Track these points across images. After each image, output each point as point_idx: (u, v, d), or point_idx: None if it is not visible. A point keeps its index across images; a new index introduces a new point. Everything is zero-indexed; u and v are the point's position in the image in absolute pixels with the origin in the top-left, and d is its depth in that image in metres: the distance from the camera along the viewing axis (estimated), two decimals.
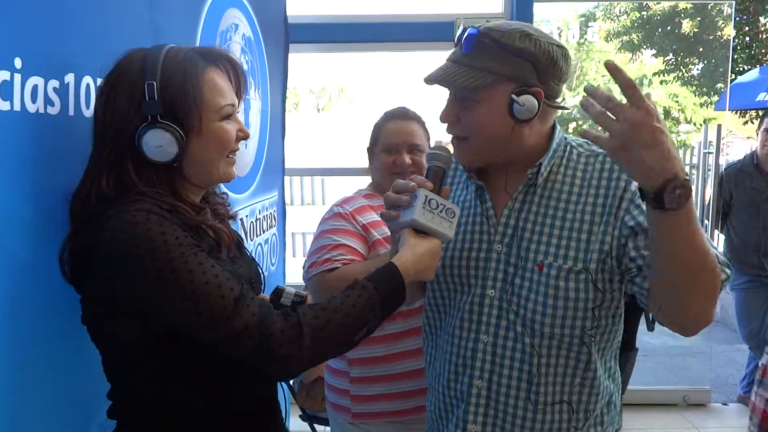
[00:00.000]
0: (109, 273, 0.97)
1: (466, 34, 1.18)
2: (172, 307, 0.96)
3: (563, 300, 1.18)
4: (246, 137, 1.15)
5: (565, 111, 1.51)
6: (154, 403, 1.05)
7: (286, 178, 3.03)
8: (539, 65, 1.16)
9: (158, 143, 1.01)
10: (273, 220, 2.57)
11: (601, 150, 1.24)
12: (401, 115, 1.92)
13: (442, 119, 1.25)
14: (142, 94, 1.01)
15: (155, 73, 1.01)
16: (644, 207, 1.07)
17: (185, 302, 0.95)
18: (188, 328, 0.98)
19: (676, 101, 14.65)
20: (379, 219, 1.72)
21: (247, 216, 2.15)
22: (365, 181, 2.03)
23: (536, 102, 1.15)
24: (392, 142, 1.87)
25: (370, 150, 1.95)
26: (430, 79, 1.21)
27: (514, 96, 1.15)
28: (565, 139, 1.29)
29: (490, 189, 1.28)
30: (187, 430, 1.06)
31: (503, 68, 1.15)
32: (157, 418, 1.06)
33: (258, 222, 2.30)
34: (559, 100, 1.22)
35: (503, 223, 1.25)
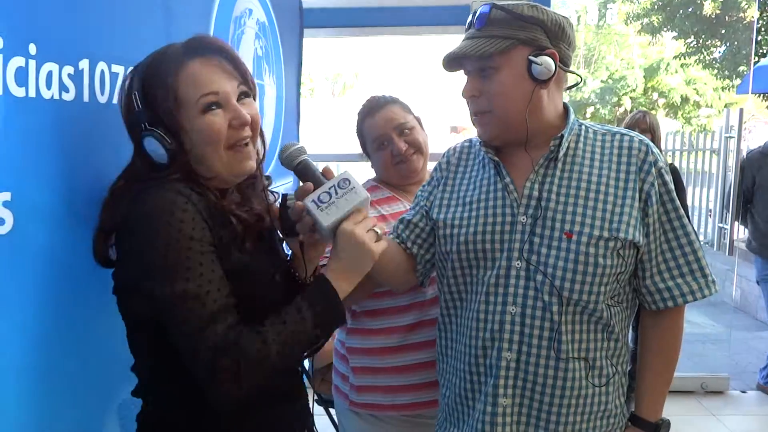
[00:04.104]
0: (127, 245, 1.02)
1: (479, 12, 1.27)
2: (158, 293, 0.97)
3: (592, 266, 1.23)
4: (243, 124, 1.08)
5: (583, 96, 1.49)
6: (173, 377, 1.06)
7: None
8: (549, 29, 1.25)
9: (151, 149, 1.05)
10: None
11: (616, 129, 1.34)
12: (373, 107, 1.80)
13: (465, 94, 1.31)
14: (133, 107, 1.06)
15: (139, 82, 1.06)
16: (661, 189, 1.26)
17: (170, 296, 0.97)
18: (161, 318, 0.99)
19: (695, 89, 14.43)
20: (378, 214, 1.73)
21: None
22: None
23: (552, 62, 1.23)
24: (378, 135, 1.76)
25: (365, 152, 1.88)
26: (449, 57, 1.28)
27: (531, 57, 1.23)
28: (579, 120, 1.35)
29: (507, 165, 1.32)
30: (205, 407, 1.05)
31: (517, 33, 1.23)
32: (181, 392, 1.06)
33: None
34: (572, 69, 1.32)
35: (526, 195, 1.29)
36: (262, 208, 1.19)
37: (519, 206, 1.29)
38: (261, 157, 1.18)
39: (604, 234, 1.23)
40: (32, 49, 0.95)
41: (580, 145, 1.31)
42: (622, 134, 1.31)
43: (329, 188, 1.08)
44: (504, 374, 1.27)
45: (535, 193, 1.28)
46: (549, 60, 1.23)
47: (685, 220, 1.29)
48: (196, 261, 0.98)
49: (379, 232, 1.10)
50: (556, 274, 1.24)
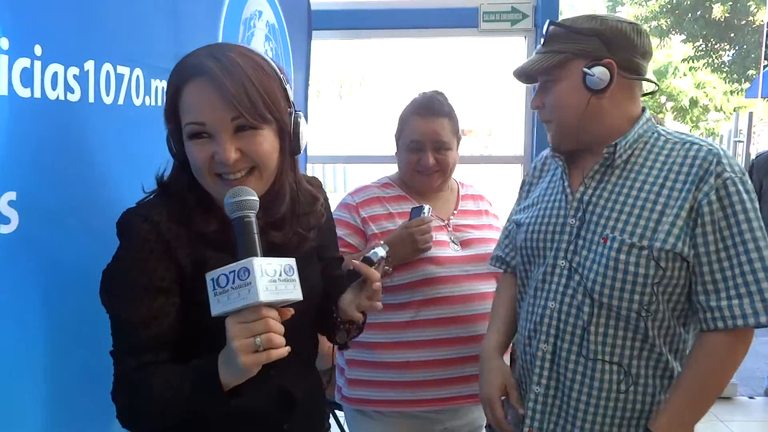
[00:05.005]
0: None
1: (544, 29, 1.35)
2: (104, 300, 1.02)
3: (622, 273, 1.25)
4: (222, 163, 0.99)
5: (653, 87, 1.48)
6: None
7: (309, 166, 3.03)
8: (607, 39, 1.28)
9: (169, 147, 1.07)
10: None
11: (690, 138, 1.33)
12: (428, 110, 1.79)
13: (532, 106, 1.40)
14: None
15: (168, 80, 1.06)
16: (724, 201, 1.21)
17: (108, 312, 1.02)
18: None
19: (704, 91, 14.36)
20: (382, 212, 1.77)
21: None
22: (387, 169, 2.00)
23: (608, 72, 1.27)
24: (416, 140, 1.78)
25: (396, 140, 1.87)
26: (516, 73, 1.40)
27: (585, 69, 1.28)
28: (656, 127, 1.36)
29: (573, 169, 1.40)
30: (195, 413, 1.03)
31: (571, 47, 1.30)
32: None
33: None
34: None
35: (577, 198, 1.36)
36: (309, 225, 1.16)
37: (570, 209, 1.36)
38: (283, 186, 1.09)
39: (637, 242, 1.24)
40: (38, 50, 0.95)
41: (644, 153, 1.32)
42: (693, 143, 1.29)
43: (229, 272, 0.90)
44: (540, 364, 1.36)
45: (585, 198, 1.34)
46: (604, 70, 1.27)
47: (749, 236, 1.20)
48: (137, 294, 1.00)
49: (258, 342, 0.89)
50: (589, 276, 1.29)
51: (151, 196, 1.08)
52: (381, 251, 1.23)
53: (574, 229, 1.34)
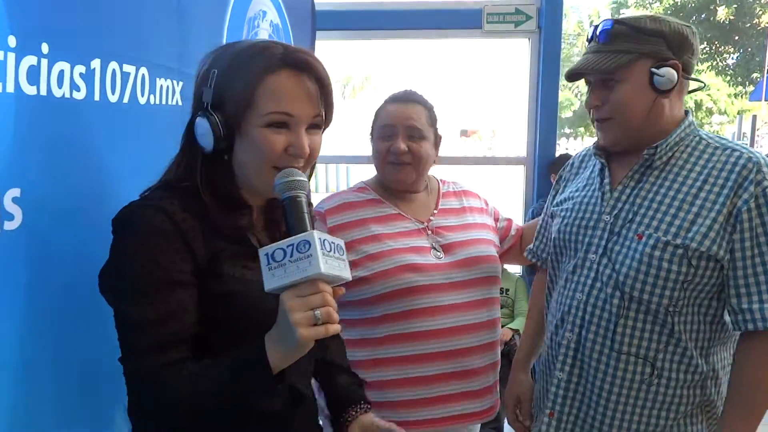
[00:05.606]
0: (112, 243, 1.00)
1: (601, 27, 1.35)
2: (110, 304, 0.98)
3: (655, 269, 1.29)
4: (299, 156, 1.02)
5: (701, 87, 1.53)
6: None
7: None
8: (671, 41, 1.31)
9: (201, 131, 1.01)
10: None
11: (731, 144, 1.35)
12: (404, 96, 1.69)
13: (590, 104, 1.40)
14: (207, 81, 1.02)
15: (224, 62, 1.02)
16: (762, 209, 1.24)
17: (118, 313, 0.97)
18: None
19: (708, 94, 14.35)
20: (353, 219, 1.63)
21: None
22: None
23: (675, 73, 1.30)
24: (387, 124, 1.64)
25: (371, 135, 1.73)
26: (574, 72, 1.38)
27: (653, 69, 1.30)
28: (698, 131, 1.39)
29: (614, 167, 1.43)
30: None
31: (639, 47, 1.31)
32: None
33: None
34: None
35: (615, 197, 1.39)
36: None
37: (606, 206, 1.39)
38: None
39: (674, 240, 1.28)
40: (44, 48, 0.96)
41: (685, 155, 1.35)
42: (734, 149, 1.32)
43: (287, 246, 0.90)
44: (564, 351, 1.41)
45: (623, 197, 1.37)
46: (671, 71, 1.30)
47: None
48: (153, 288, 0.95)
49: (318, 315, 0.89)
50: (621, 271, 1.33)
51: (150, 191, 1.05)
52: None
53: (608, 225, 1.37)
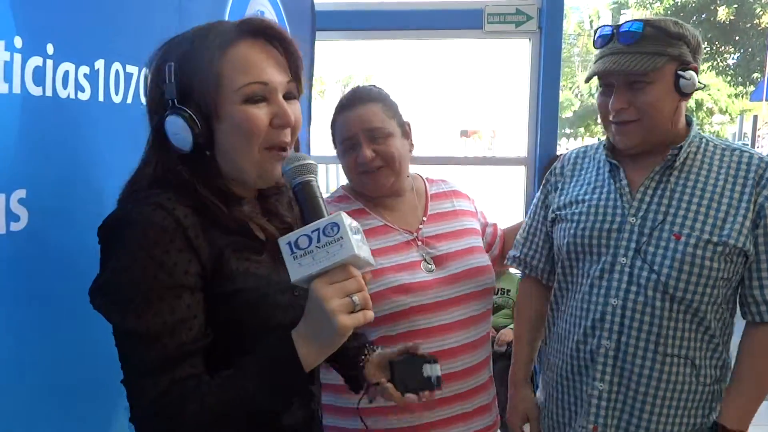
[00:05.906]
0: (100, 257, 0.90)
1: (626, 28, 1.35)
2: (108, 318, 0.88)
3: (698, 268, 1.32)
4: (286, 125, 0.95)
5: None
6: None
7: None
8: (691, 45, 1.35)
9: (174, 130, 0.92)
10: None
11: (737, 146, 1.43)
12: (352, 101, 1.53)
13: (615, 107, 1.37)
14: (162, 79, 0.93)
15: (177, 53, 0.94)
16: None
17: (118, 328, 0.87)
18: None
19: (709, 94, 14.34)
20: None
21: None
22: None
23: (696, 76, 1.35)
24: (347, 135, 1.50)
25: (335, 150, 1.60)
26: (602, 72, 1.35)
27: (680, 72, 1.33)
28: (700, 133, 1.44)
29: (625, 170, 1.44)
30: None
31: (670, 50, 1.33)
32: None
33: None
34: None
35: (638, 198, 1.40)
36: (292, 220, 1.06)
37: (630, 208, 1.40)
38: None
39: (712, 238, 1.32)
40: (50, 49, 0.97)
41: (698, 156, 1.40)
42: (742, 151, 1.40)
43: (312, 231, 0.84)
44: (602, 361, 1.39)
45: (647, 198, 1.39)
46: (694, 75, 1.34)
47: None
48: (156, 295, 0.85)
49: (356, 301, 0.84)
50: (662, 272, 1.33)
51: (130, 194, 0.95)
52: (437, 369, 1.18)
53: (636, 227, 1.38)
